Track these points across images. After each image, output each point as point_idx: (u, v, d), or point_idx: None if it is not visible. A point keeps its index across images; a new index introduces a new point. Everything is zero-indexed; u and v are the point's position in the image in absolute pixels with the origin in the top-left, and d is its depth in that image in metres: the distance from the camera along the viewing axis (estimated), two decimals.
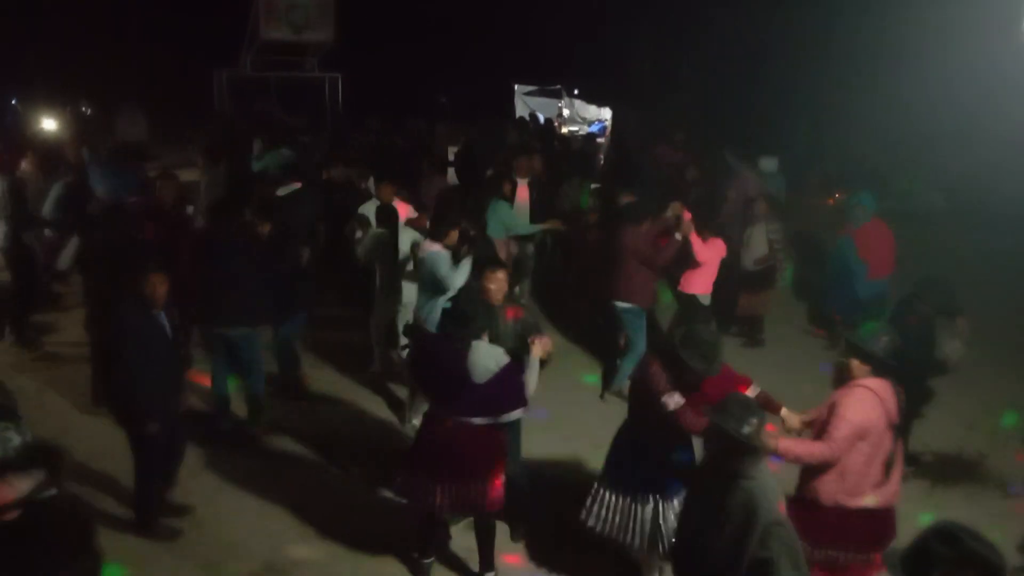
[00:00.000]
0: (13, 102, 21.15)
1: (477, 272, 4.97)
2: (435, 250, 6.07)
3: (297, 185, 8.13)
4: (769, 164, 10.36)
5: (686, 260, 7.16)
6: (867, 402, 4.03)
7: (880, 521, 4.16)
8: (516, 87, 25.44)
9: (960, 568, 2.65)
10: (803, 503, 4.15)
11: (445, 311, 4.48)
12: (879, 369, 4.13)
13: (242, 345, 6.36)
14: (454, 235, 6.12)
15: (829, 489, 4.09)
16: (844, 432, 3.99)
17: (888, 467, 4.15)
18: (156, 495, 5.27)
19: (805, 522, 3.89)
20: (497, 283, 4.96)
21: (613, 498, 4.55)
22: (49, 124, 13.90)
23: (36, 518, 2.80)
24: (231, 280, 6.16)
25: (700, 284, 7.31)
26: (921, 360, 5.80)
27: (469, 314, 4.35)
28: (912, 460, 6.08)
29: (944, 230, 12.36)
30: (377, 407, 7.04)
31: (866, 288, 7.50)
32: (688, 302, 7.38)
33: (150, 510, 5.23)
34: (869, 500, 4.11)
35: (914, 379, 6.03)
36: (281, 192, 8.04)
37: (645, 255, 6.91)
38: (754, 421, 3.44)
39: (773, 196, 8.79)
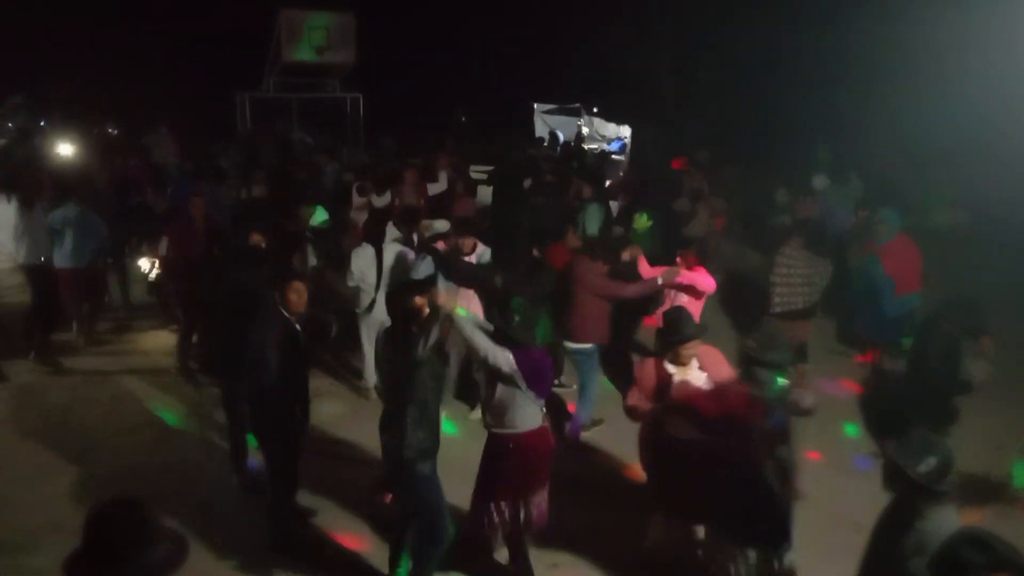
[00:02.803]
0: (42, 123, 21.62)
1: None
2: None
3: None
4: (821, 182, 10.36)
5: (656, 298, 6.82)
6: None
7: None
8: (536, 106, 25.49)
9: (995, 573, 2.65)
10: None
11: (516, 325, 4.47)
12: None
13: None
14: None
15: None
16: None
17: None
18: (289, 508, 5.07)
19: None
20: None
21: None
22: (65, 149, 14.11)
23: None
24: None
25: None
26: (946, 380, 5.73)
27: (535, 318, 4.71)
28: None
29: (967, 247, 12.18)
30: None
31: (893, 306, 7.38)
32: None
33: (286, 525, 5.01)
34: None
35: (939, 399, 5.99)
36: None
37: (599, 289, 6.37)
38: (932, 461, 3.18)
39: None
